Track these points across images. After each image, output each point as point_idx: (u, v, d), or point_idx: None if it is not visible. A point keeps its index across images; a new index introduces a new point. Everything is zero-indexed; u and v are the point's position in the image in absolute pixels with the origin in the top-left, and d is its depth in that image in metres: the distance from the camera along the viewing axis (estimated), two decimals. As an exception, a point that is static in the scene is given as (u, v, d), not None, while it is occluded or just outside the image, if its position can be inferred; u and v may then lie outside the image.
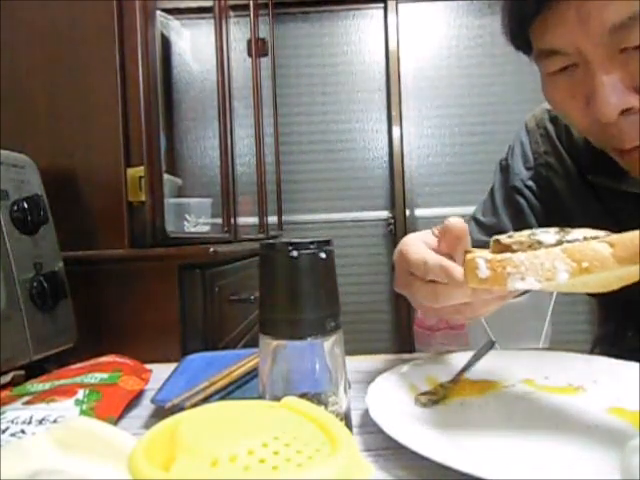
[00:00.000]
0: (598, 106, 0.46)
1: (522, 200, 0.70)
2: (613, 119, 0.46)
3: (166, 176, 1.12)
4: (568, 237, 0.35)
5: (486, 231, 0.71)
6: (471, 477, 0.31)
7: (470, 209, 0.78)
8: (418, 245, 0.45)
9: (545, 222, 0.71)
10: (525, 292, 0.75)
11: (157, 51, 0.98)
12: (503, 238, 0.37)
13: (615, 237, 0.33)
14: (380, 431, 0.38)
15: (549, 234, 0.35)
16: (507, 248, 0.36)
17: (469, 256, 0.36)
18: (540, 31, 0.49)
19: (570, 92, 0.50)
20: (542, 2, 0.47)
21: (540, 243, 0.35)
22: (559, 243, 0.34)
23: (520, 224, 0.68)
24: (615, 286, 0.36)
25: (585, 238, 0.34)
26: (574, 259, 0.32)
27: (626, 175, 0.54)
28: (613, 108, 0.45)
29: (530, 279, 0.33)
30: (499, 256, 0.34)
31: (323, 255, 0.33)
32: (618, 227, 0.61)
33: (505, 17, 0.54)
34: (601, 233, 0.35)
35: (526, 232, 0.37)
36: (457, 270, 0.39)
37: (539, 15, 0.48)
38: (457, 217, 0.43)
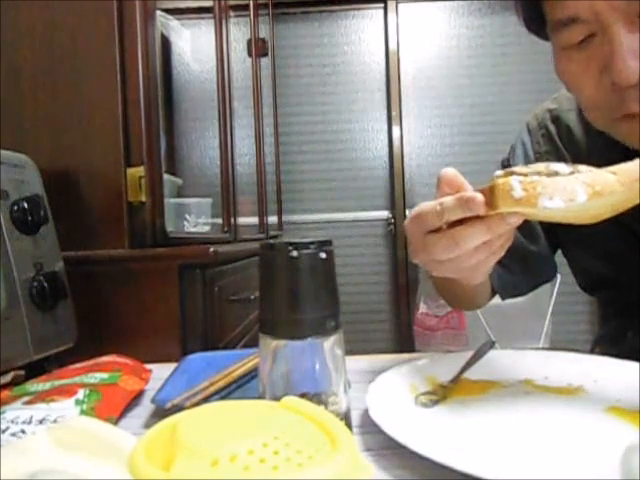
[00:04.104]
0: (618, 70, 0.46)
1: None
2: (634, 82, 0.46)
3: (166, 176, 1.12)
4: (579, 169, 0.39)
5: None
6: (471, 477, 0.31)
7: (470, 209, 0.78)
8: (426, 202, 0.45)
9: (546, 222, 0.71)
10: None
11: (157, 51, 0.98)
12: (519, 169, 0.40)
13: (616, 167, 0.38)
14: (380, 431, 0.38)
15: (563, 166, 0.40)
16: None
17: (501, 180, 0.38)
18: None
19: (585, 64, 0.50)
20: None
21: (557, 173, 0.39)
22: (572, 174, 0.39)
23: (521, 224, 0.68)
24: (607, 216, 0.41)
25: (591, 171, 0.39)
26: (588, 184, 0.37)
27: None
28: (633, 71, 0.45)
29: (557, 199, 0.37)
30: (529, 178, 0.38)
31: (323, 255, 0.33)
32: (619, 227, 0.61)
33: None
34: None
35: (542, 164, 0.40)
36: (477, 195, 0.39)
37: None
38: (448, 167, 0.45)
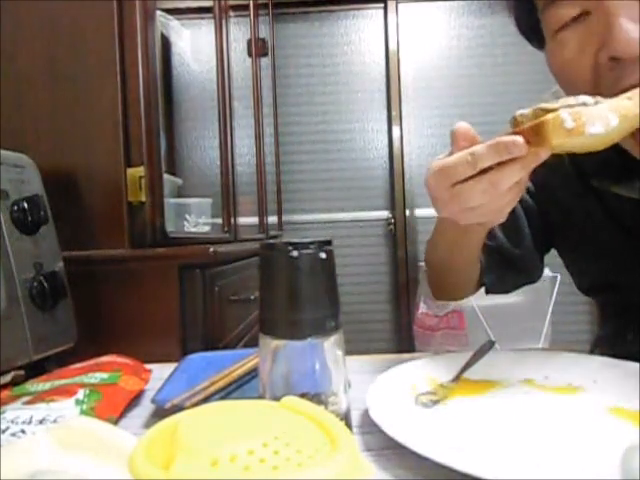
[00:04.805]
0: (616, 40, 0.45)
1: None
2: (634, 53, 0.45)
3: (166, 176, 1.12)
4: (599, 100, 0.44)
5: None
6: (471, 477, 0.31)
7: (470, 209, 0.78)
8: (446, 155, 0.47)
9: (539, 223, 0.71)
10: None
11: (157, 51, 0.98)
12: (548, 105, 0.43)
13: (629, 93, 0.43)
14: (380, 431, 0.38)
15: (587, 97, 0.44)
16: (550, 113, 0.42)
17: (551, 114, 0.41)
18: None
19: (579, 46, 0.49)
20: None
21: (585, 104, 0.43)
22: (597, 103, 0.43)
23: (506, 228, 0.68)
24: (617, 140, 0.45)
25: (607, 101, 0.44)
26: (615, 109, 0.42)
27: (632, 180, 0.54)
28: (633, 40, 0.44)
29: (598, 124, 0.41)
30: (575, 109, 0.42)
31: (323, 255, 0.33)
32: (621, 230, 0.61)
33: None
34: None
35: (571, 97, 0.44)
36: (517, 138, 0.41)
37: None
38: (461, 122, 0.47)
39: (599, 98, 0.43)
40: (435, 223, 0.65)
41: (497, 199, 0.45)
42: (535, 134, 0.42)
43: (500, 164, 0.43)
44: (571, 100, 0.43)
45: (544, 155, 0.43)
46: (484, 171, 0.43)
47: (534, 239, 0.71)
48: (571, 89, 0.54)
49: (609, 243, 0.63)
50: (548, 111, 0.42)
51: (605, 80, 0.49)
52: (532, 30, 0.55)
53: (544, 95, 0.72)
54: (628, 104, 0.42)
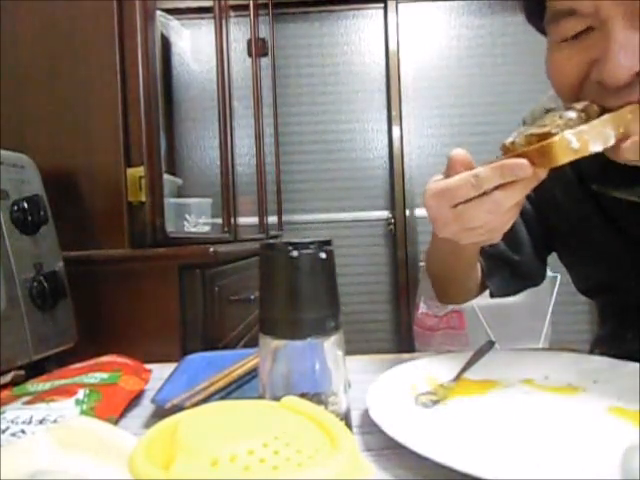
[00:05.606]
0: (609, 67, 0.44)
1: None
2: (622, 83, 0.45)
3: (166, 176, 1.12)
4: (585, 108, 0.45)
5: None
6: (471, 477, 0.31)
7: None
8: (444, 177, 0.48)
9: (539, 228, 0.71)
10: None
11: (157, 51, 0.98)
12: (540, 131, 0.44)
13: (629, 107, 0.44)
14: (380, 431, 0.38)
15: (571, 112, 0.45)
16: (542, 137, 0.43)
17: (557, 137, 0.42)
18: None
19: (576, 54, 0.49)
20: None
21: (571, 119, 0.44)
22: (582, 111, 0.45)
23: (505, 235, 0.68)
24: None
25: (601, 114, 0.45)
26: (614, 126, 0.44)
27: (633, 184, 0.54)
28: (623, 71, 0.44)
29: (598, 143, 0.43)
30: (577, 130, 0.43)
31: (323, 255, 0.33)
32: (619, 233, 0.61)
33: None
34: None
35: (555, 115, 0.45)
36: (522, 160, 0.43)
37: None
38: (458, 148, 0.48)
39: (577, 105, 0.45)
40: (431, 238, 0.66)
41: (498, 218, 0.47)
42: (541, 156, 0.43)
43: (502, 185, 0.44)
44: (555, 118, 0.44)
45: (542, 175, 0.45)
46: (484, 192, 0.45)
47: (534, 244, 0.72)
48: (559, 93, 0.55)
49: (608, 246, 0.63)
50: (540, 136, 0.44)
51: (589, 94, 0.49)
52: (541, 22, 0.55)
53: (543, 98, 0.72)
54: (628, 117, 0.44)
